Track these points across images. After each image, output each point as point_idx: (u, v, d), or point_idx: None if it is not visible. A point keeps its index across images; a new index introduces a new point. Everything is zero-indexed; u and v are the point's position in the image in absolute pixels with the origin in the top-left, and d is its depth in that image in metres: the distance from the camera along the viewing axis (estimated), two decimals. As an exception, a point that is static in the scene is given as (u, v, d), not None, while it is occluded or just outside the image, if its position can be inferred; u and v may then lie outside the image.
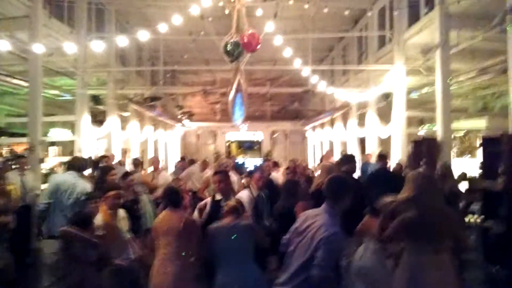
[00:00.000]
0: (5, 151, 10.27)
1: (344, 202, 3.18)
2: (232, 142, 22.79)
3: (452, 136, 8.70)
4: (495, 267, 5.56)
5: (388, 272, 4.14)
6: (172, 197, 4.09)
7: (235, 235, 3.72)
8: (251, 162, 14.47)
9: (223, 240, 3.74)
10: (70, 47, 6.83)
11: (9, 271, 5.36)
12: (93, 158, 8.52)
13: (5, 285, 5.23)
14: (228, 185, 4.80)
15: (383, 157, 7.57)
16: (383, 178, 5.80)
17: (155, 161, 8.69)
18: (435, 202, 3.28)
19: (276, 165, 9.27)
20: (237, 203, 4.04)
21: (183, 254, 3.79)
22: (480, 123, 10.92)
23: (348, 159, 5.56)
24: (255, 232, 3.88)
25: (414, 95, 12.28)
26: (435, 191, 3.36)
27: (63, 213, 4.91)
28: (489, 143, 7.09)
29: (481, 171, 7.21)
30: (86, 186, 5.20)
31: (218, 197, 4.69)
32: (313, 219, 3.16)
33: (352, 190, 3.31)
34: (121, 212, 4.61)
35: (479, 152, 10.82)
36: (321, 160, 9.39)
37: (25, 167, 6.56)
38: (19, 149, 10.47)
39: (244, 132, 21.20)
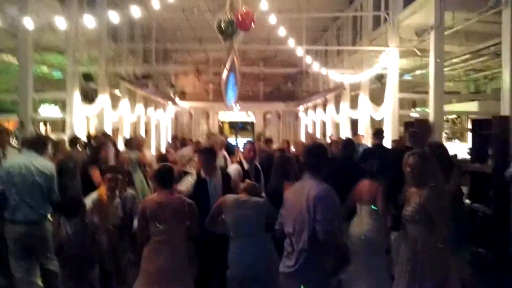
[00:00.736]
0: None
1: (323, 170, 3.17)
2: (225, 122, 22.72)
3: (444, 118, 8.73)
4: (482, 248, 5.69)
5: (384, 239, 4.26)
6: (164, 176, 3.89)
7: (250, 210, 3.78)
8: (243, 142, 14.46)
9: (237, 213, 3.79)
10: (60, 23, 6.69)
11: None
12: (86, 136, 8.46)
13: None
14: (212, 163, 4.70)
15: (379, 133, 7.32)
16: (379, 152, 5.90)
17: (139, 140, 8.40)
18: (432, 183, 3.29)
19: (269, 141, 9.23)
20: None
21: (177, 235, 3.75)
22: (471, 106, 10.98)
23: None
24: (269, 209, 3.83)
25: (407, 77, 12.32)
26: (434, 173, 3.35)
27: (24, 199, 4.30)
28: (479, 126, 7.17)
29: (469, 156, 7.27)
30: (46, 164, 4.57)
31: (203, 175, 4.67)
32: (300, 190, 3.15)
33: (328, 159, 3.40)
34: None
35: (469, 136, 10.93)
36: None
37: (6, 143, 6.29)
38: (9, 127, 10.38)
39: (236, 112, 21.12)
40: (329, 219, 2.94)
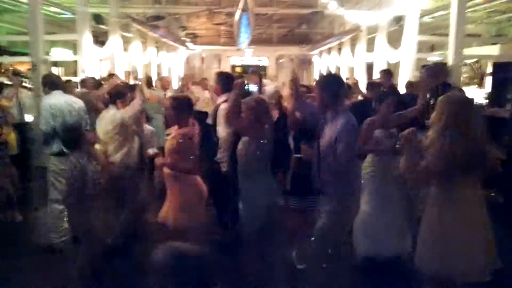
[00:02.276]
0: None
1: (341, 98, 3.29)
2: (237, 66, 22.43)
3: (463, 63, 8.46)
4: (494, 191, 5.71)
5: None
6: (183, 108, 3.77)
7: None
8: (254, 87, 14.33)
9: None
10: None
11: (14, 186, 5.56)
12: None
13: (7, 200, 5.44)
14: None
15: (388, 73, 7.17)
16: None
17: (164, 79, 8.57)
18: (471, 131, 2.80)
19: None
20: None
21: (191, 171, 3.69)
22: (492, 50, 10.60)
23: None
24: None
25: (427, 19, 11.84)
26: (471, 117, 2.86)
27: None
28: (500, 69, 6.96)
29: (487, 101, 7.13)
30: (81, 102, 5.02)
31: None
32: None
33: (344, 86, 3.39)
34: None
35: (487, 82, 10.65)
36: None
37: (21, 85, 6.50)
38: (23, 69, 10.38)
39: (249, 56, 20.77)
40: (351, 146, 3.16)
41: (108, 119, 4.55)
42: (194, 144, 3.71)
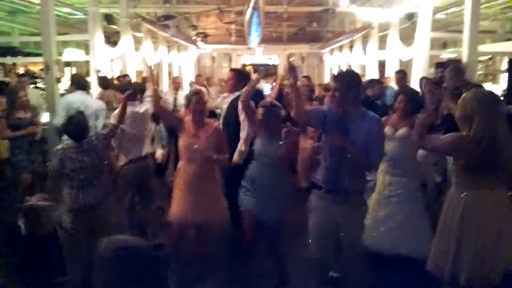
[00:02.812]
0: (21, 70, 10.26)
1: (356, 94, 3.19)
2: (247, 65, 22.40)
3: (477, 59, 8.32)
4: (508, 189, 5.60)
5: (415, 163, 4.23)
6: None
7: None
8: (266, 86, 14.35)
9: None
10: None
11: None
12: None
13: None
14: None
15: (402, 73, 7.18)
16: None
17: (176, 80, 8.59)
18: (495, 127, 2.73)
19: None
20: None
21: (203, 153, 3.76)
22: (507, 46, 10.43)
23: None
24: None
25: (440, 16, 11.69)
26: (496, 113, 2.79)
27: None
28: (516, 66, 6.83)
29: (502, 98, 7.02)
30: (100, 103, 5.25)
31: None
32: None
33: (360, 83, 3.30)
34: None
35: (502, 78, 10.47)
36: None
37: (26, 86, 6.64)
38: (36, 69, 10.48)
39: (259, 55, 20.71)
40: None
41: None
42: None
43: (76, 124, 3.75)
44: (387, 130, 4.17)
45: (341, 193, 3.08)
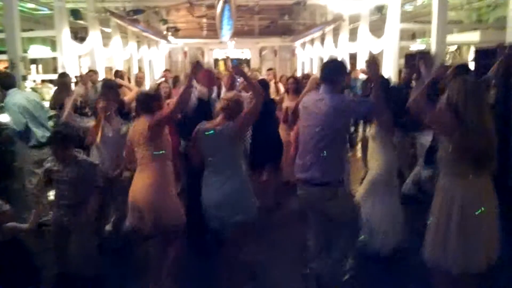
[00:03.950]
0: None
1: (339, 84, 3.18)
2: (220, 60, 22.26)
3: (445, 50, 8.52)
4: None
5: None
6: (143, 102, 3.53)
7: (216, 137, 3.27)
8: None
9: (208, 143, 3.32)
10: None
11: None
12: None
13: None
14: None
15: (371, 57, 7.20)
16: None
17: (140, 76, 8.27)
18: (481, 115, 2.69)
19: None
20: (234, 100, 3.38)
21: (158, 153, 3.37)
22: (473, 36, 10.69)
23: None
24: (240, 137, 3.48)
25: (408, 8, 11.89)
26: (482, 102, 2.75)
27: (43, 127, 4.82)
28: (482, 56, 6.97)
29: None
30: (36, 95, 5.31)
31: None
32: (316, 105, 3.14)
33: (346, 73, 3.32)
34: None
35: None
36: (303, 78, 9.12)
37: None
38: (1, 67, 10.11)
39: (231, 49, 20.62)
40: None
41: None
42: None
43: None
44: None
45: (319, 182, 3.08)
